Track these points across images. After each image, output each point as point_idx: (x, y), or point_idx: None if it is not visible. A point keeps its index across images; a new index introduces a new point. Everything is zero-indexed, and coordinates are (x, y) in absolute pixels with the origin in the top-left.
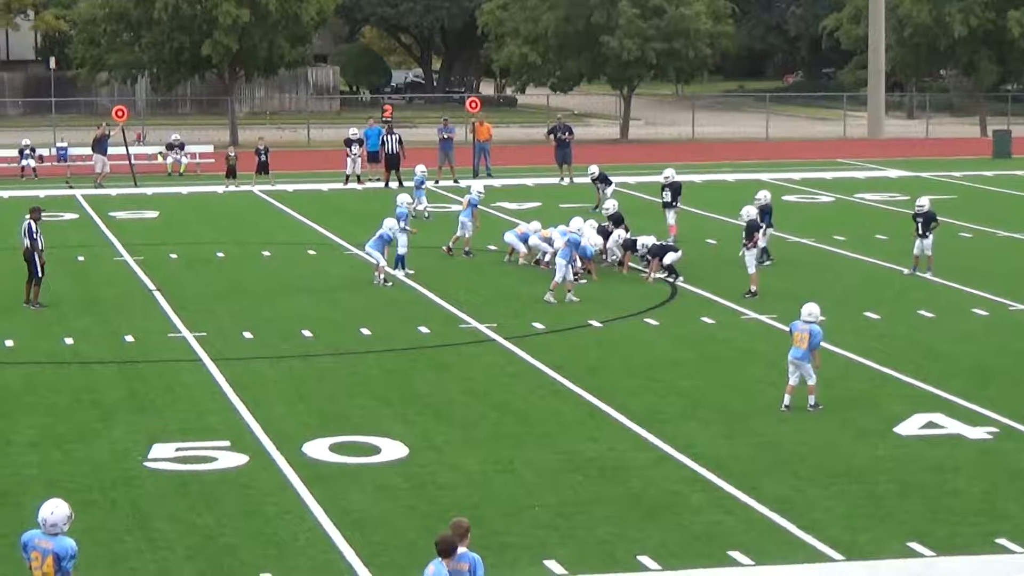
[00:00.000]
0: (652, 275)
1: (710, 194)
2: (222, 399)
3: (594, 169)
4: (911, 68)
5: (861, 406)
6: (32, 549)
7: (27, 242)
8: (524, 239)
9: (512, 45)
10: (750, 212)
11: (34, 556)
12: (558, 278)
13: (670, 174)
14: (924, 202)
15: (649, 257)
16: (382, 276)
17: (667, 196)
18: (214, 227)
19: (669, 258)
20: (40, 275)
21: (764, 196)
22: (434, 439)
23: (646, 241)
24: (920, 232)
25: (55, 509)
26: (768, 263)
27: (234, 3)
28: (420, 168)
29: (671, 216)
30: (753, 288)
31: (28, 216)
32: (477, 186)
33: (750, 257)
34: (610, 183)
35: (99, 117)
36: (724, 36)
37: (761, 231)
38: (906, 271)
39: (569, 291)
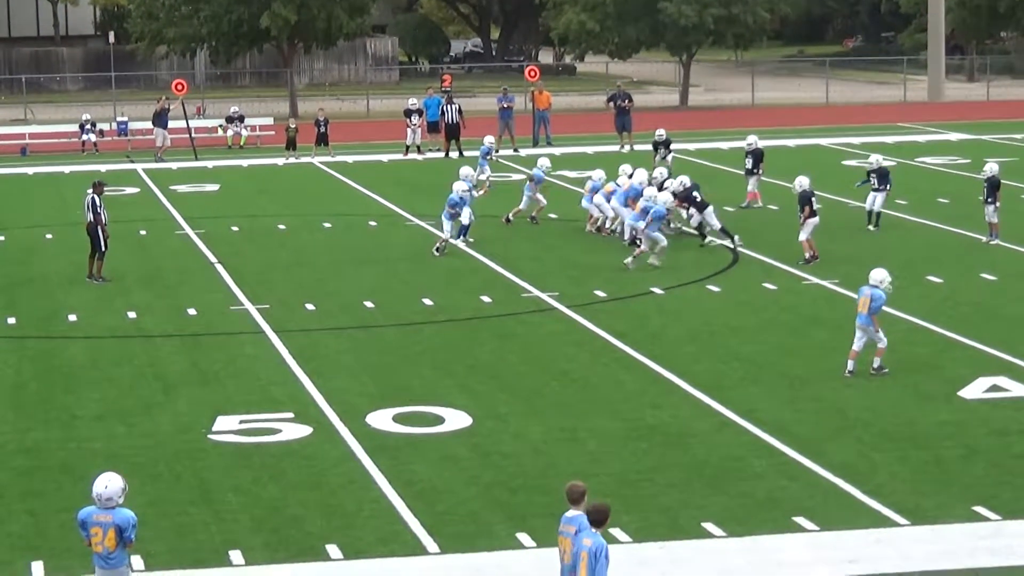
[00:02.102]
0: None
1: (771, 160)
2: (285, 371)
3: (661, 132)
4: (971, 30)
5: (925, 370)
6: (92, 525)
7: (90, 216)
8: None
9: (570, 13)
10: (803, 183)
11: (94, 532)
12: (645, 246)
13: (753, 140)
14: (989, 168)
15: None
16: (442, 245)
17: (749, 163)
18: (275, 199)
19: (696, 219)
20: (103, 249)
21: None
22: (497, 408)
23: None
24: (985, 198)
25: (109, 483)
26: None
27: None
28: (488, 139)
29: (752, 183)
30: (807, 255)
31: (91, 190)
32: (544, 162)
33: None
34: (670, 150)
35: (159, 91)
36: (783, 1)
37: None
38: (984, 239)
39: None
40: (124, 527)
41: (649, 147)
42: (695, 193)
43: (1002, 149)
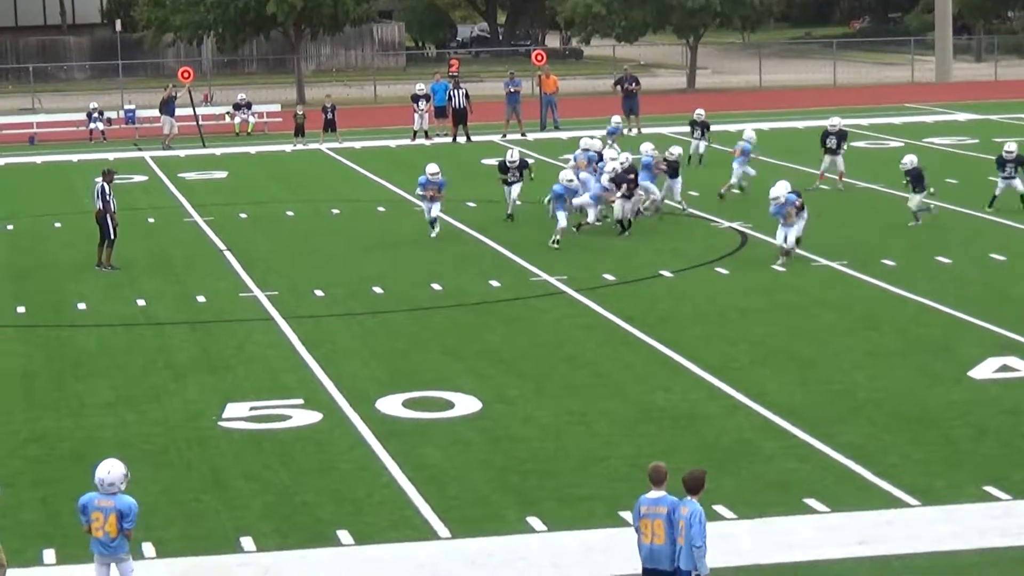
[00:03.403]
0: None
1: (780, 142)
2: (294, 357)
3: (700, 112)
4: (978, 10)
5: (935, 351)
6: (93, 510)
7: (99, 204)
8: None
9: None
10: (913, 161)
11: (95, 517)
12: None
13: (837, 121)
14: (909, 160)
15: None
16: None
17: (832, 143)
18: (283, 186)
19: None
20: (112, 237)
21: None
22: (507, 393)
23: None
24: (913, 188)
25: (111, 468)
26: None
27: None
28: (615, 119)
29: (840, 163)
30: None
31: (100, 178)
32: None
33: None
34: (707, 131)
35: (166, 79)
36: None
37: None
38: (911, 224)
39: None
40: (126, 513)
41: (684, 128)
42: (631, 176)
43: (1010, 129)
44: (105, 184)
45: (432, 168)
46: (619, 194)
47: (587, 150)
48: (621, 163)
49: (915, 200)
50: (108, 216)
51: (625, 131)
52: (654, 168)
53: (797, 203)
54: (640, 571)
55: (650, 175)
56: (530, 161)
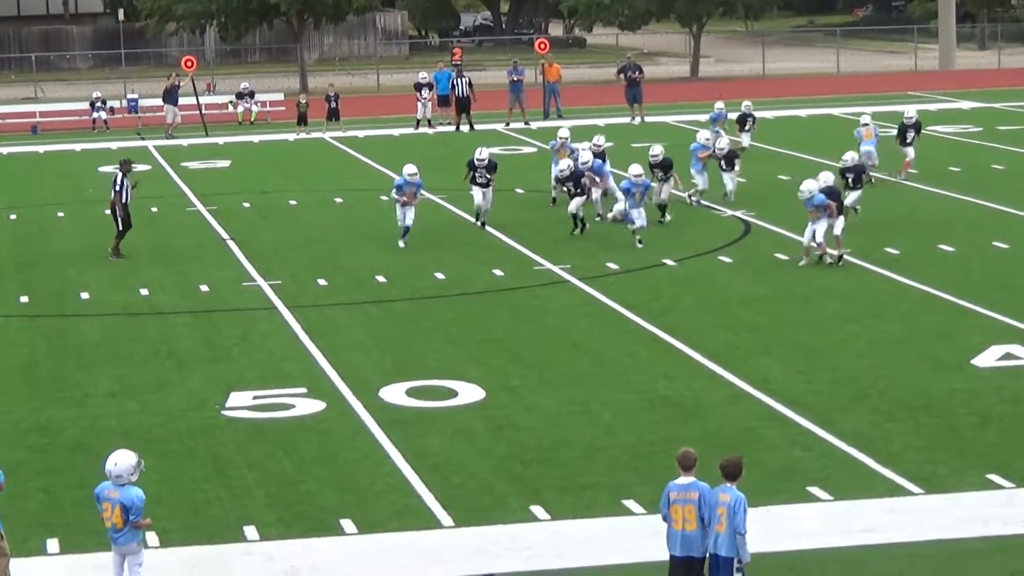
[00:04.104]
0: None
1: (783, 130)
2: (298, 346)
3: (748, 104)
4: None
5: (938, 339)
6: (103, 500)
7: (112, 194)
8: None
9: None
10: (854, 157)
11: (105, 507)
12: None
13: (913, 113)
14: (850, 157)
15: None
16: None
17: (910, 136)
18: (286, 175)
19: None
20: (119, 228)
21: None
22: (510, 381)
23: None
24: (852, 184)
25: (119, 460)
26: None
27: None
28: (719, 104)
29: (911, 151)
30: None
31: (118, 168)
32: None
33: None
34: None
35: (169, 68)
36: None
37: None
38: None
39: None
40: (128, 506)
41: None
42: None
43: (1013, 117)
44: (120, 174)
45: (410, 169)
46: (658, 177)
47: (598, 145)
48: (720, 148)
49: (854, 196)
50: (115, 207)
51: (629, 120)
52: (701, 157)
53: (826, 205)
54: (668, 559)
55: (700, 164)
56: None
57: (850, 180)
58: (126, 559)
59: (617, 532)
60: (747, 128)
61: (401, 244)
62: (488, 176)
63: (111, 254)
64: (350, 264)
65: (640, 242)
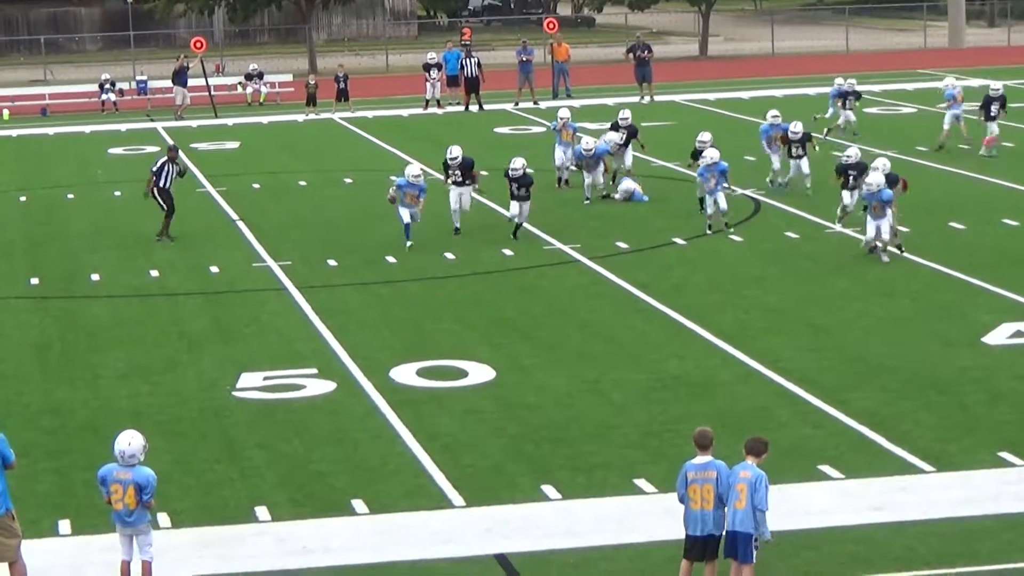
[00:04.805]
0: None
1: (793, 108)
2: (308, 327)
3: (853, 82)
4: None
5: (948, 317)
6: (112, 482)
7: (150, 176)
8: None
9: None
10: (857, 154)
11: (114, 489)
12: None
13: (999, 86)
14: (853, 153)
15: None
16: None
17: (994, 110)
18: (295, 156)
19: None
20: (164, 209)
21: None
22: (521, 361)
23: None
24: (849, 186)
25: (132, 440)
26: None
27: None
28: (839, 80)
29: (994, 127)
30: None
31: (166, 154)
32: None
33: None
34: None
35: (177, 49)
36: None
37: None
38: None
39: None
40: (143, 485)
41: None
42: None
43: (1022, 94)
44: (167, 161)
45: (413, 170)
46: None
47: (625, 119)
48: (794, 131)
49: (850, 196)
50: (152, 189)
51: (638, 99)
52: (772, 142)
53: (892, 200)
54: (680, 538)
55: (774, 147)
56: (484, 172)
57: (851, 178)
58: (135, 539)
59: (628, 511)
60: (846, 106)
61: (408, 244)
62: (462, 176)
63: (162, 237)
64: (360, 244)
65: (727, 225)
